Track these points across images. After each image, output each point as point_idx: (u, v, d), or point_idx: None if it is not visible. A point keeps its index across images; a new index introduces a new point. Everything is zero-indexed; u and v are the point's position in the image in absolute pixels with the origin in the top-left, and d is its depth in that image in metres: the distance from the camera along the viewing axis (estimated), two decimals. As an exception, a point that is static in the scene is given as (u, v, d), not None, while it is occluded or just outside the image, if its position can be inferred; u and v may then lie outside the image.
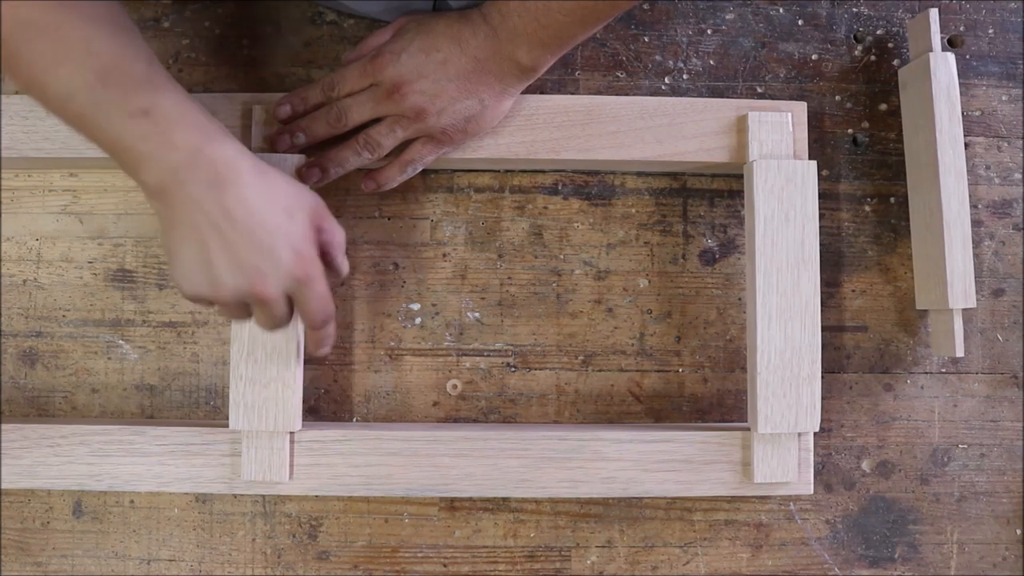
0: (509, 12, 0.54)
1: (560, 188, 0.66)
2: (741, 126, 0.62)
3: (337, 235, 0.54)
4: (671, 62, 0.67)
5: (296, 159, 0.59)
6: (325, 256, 0.53)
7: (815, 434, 0.63)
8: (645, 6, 0.67)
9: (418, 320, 0.65)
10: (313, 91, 0.59)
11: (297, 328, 0.58)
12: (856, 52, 0.68)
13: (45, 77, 0.46)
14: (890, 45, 0.68)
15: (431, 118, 0.57)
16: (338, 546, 0.64)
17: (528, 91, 0.60)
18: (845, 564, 0.64)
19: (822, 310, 0.61)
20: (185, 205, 0.47)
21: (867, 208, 0.67)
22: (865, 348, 0.66)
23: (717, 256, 0.66)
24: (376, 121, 0.58)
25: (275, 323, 0.51)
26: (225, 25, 0.66)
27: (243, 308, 0.51)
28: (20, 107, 0.60)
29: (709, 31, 0.67)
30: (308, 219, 0.50)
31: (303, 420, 0.60)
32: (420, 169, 0.61)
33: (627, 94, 0.66)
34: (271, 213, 0.48)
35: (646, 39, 0.67)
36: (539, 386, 0.65)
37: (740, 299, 0.66)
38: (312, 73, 0.66)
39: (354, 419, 0.65)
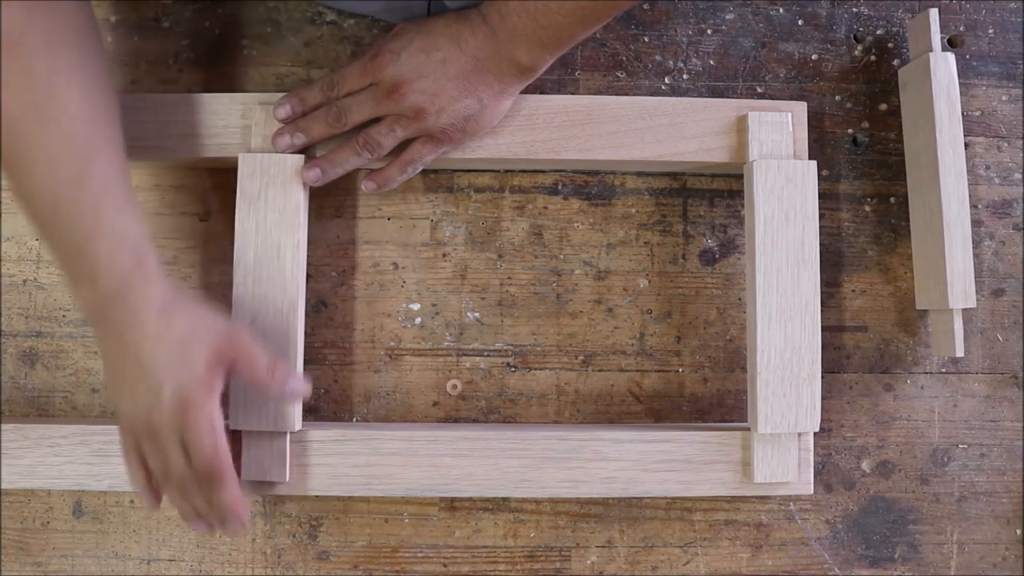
0: (508, 12, 0.54)
1: (560, 188, 0.66)
2: (741, 126, 0.62)
3: (257, 363, 0.52)
4: (671, 62, 0.67)
5: (295, 159, 0.59)
6: (256, 381, 0.53)
7: (815, 434, 0.63)
8: (645, 6, 0.67)
9: (418, 320, 0.65)
10: (312, 91, 0.59)
11: (297, 328, 0.58)
12: (856, 52, 0.68)
13: (12, 180, 0.49)
14: (890, 45, 0.68)
15: (431, 117, 0.57)
16: (338, 546, 0.64)
17: (528, 91, 0.60)
18: (845, 564, 0.64)
19: (822, 310, 0.61)
20: (101, 339, 0.51)
21: (867, 208, 0.67)
22: (865, 348, 0.66)
23: (717, 256, 0.66)
24: (376, 121, 0.58)
25: (175, 466, 0.51)
26: (225, 25, 0.66)
27: (160, 452, 0.51)
28: (20, 107, 0.60)
29: (709, 31, 0.67)
30: (204, 360, 0.50)
31: (303, 420, 0.60)
32: (420, 169, 0.61)
33: (627, 94, 0.66)
34: (161, 356, 0.49)
35: (646, 39, 0.67)
36: (539, 386, 0.65)
37: (740, 299, 0.66)
38: (312, 73, 0.66)
39: (354, 419, 0.65)
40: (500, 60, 0.56)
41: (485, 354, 0.65)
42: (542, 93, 0.64)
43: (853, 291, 0.66)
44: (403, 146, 0.59)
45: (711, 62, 0.67)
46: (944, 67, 0.62)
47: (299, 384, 0.54)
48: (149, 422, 0.50)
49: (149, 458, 0.52)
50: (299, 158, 0.59)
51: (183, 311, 0.51)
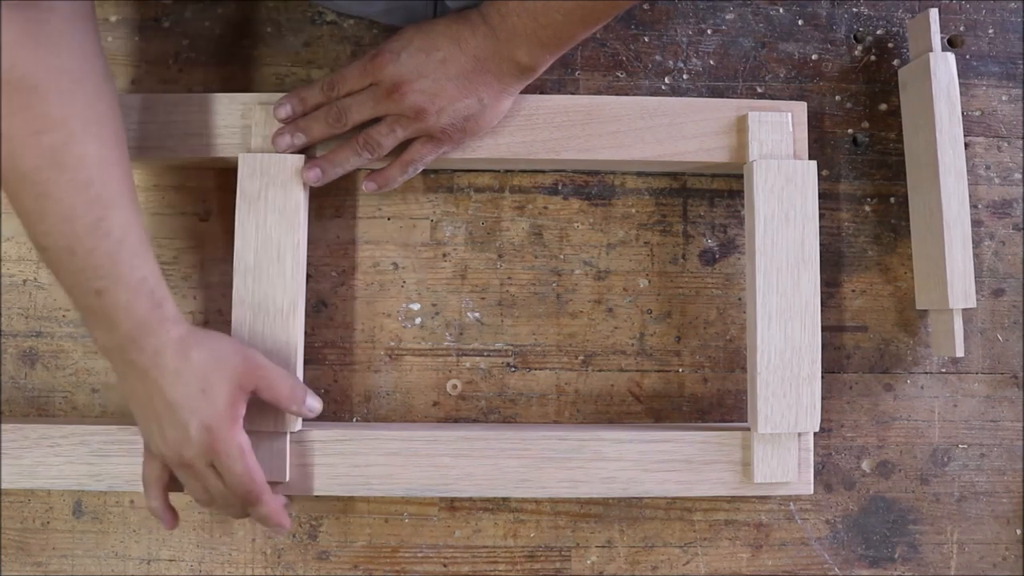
0: (508, 12, 0.54)
1: (560, 188, 0.66)
2: (741, 126, 0.62)
3: (279, 388, 0.55)
4: (671, 62, 0.67)
5: (295, 159, 0.59)
6: (278, 405, 0.56)
7: (815, 434, 0.63)
8: (645, 6, 0.67)
9: (418, 320, 0.65)
10: (312, 91, 0.59)
11: (297, 328, 0.58)
12: (856, 52, 0.68)
13: (28, 226, 0.50)
14: (890, 45, 0.68)
15: (431, 117, 0.57)
16: (338, 546, 0.64)
17: (528, 91, 0.60)
18: (845, 564, 0.64)
19: (822, 310, 0.61)
20: (123, 380, 0.53)
21: (867, 208, 0.67)
22: (865, 348, 0.66)
23: (717, 256, 0.66)
24: (376, 121, 0.58)
25: (215, 492, 0.54)
26: (225, 25, 0.66)
27: (189, 481, 0.54)
28: (20, 107, 0.60)
29: (709, 31, 0.67)
30: (226, 394, 0.53)
31: (303, 420, 0.60)
32: (420, 169, 0.61)
33: (627, 94, 0.66)
34: (184, 395, 0.51)
35: (646, 39, 0.67)
36: (539, 386, 0.65)
37: (740, 299, 0.66)
38: (312, 73, 0.66)
39: (354, 419, 0.65)
40: (500, 60, 0.56)
41: (485, 354, 0.65)
42: (542, 93, 0.64)
43: (853, 291, 0.66)
44: (403, 146, 0.59)
45: (711, 62, 0.67)
46: (944, 67, 0.62)
47: (318, 403, 0.57)
48: (181, 456, 0.52)
49: (186, 484, 0.55)
50: (299, 158, 0.59)
51: (200, 346, 0.53)
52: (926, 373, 0.66)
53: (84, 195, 0.49)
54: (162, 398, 0.51)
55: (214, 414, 0.52)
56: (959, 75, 0.63)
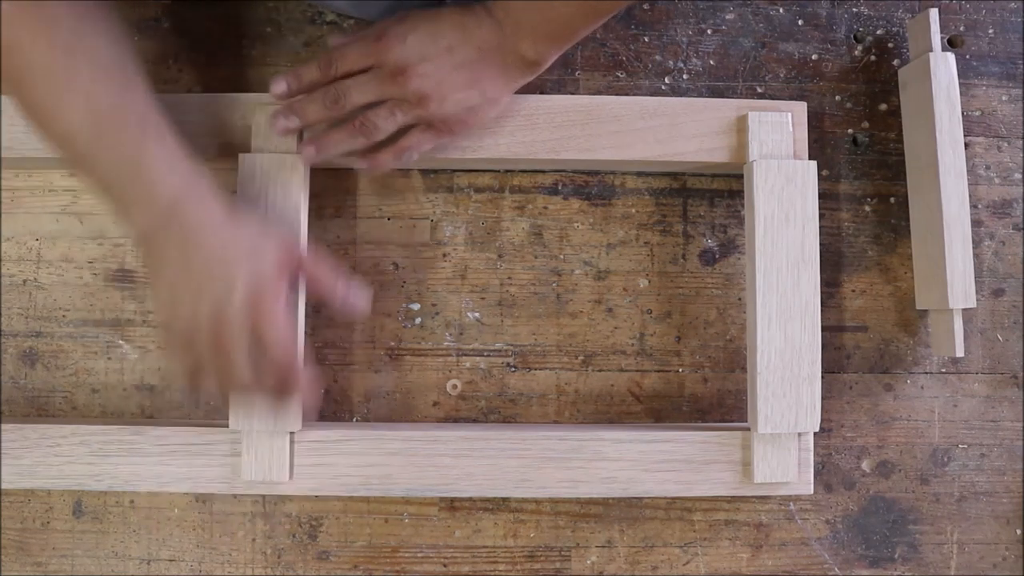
0: (513, 6, 0.54)
1: (560, 188, 0.66)
2: (741, 126, 0.62)
3: (320, 271, 0.55)
4: (671, 62, 0.67)
5: (294, 159, 0.59)
6: (321, 290, 0.55)
7: (815, 434, 0.63)
8: (645, 6, 0.67)
9: (418, 320, 0.65)
10: (310, 68, 0.57)
11: (297, 328, 0.58)
12: (856, 52, 0.68)
13: (47, 120, 0.49)
14: (890, 45, 0.68)
15: (433, 105, 0.56)
16: (338, 546, 0.64)
17: (528, 91, 0.60)
18: (845, 564, 0.64)
19: (822, 310, 0.61)
20: (160, 252, 0.51)
21: (867, 208, 0.67)
22: (865, 348, 0.66)
23: (717, 256, 0.66)
24: (374, 104, 0.57)
25: (248, 364, 0.51)
26: (225, 25, 0.66)
27: (213, 351, 0.51)
28: (20, 107, 0.60)
29: (709, 31, 0.67)
30: (274, 260, 0.52)
31: (303, 420, 0.60)
32: (415, 158, 0.60)
33: (627, 94, 0.66)
34: (233, 253, 0.50)
35: (646, 39, 0.67)
36: (539, 386, 0.65)
37: (740, 299, 0.66)
38: (312, 73, 0.66)
39: (354, 419, 0.65)
40: (505, 53, 0.55)
41: (485, 354, 0.65)
42: (542, 93, 0.64)
43: (853, 291, 0.66)
44: (400, 132, 0.58)
45: (711, 62, 0.67)
46: (944, 67, 0.62)
47: (362, 297, 0.56)
48: (218, 321, 0.50)
49: (210, 364, 0.51)
50: (298, 158, 0.59)
51: (249, 220, 0.52)
52: (926, 373, 0.66)
53: (104, 81, 0.49)
54: (208, 255, 0.50)
55: (262, 274, 0.51)
56: (959, 75, 0.63)
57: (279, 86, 0.58)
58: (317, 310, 0.65)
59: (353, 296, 0.55)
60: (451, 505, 0.64)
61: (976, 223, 0.66)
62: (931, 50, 0.62)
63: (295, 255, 0.54)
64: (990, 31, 0.68)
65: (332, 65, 0.56)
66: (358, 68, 0.56)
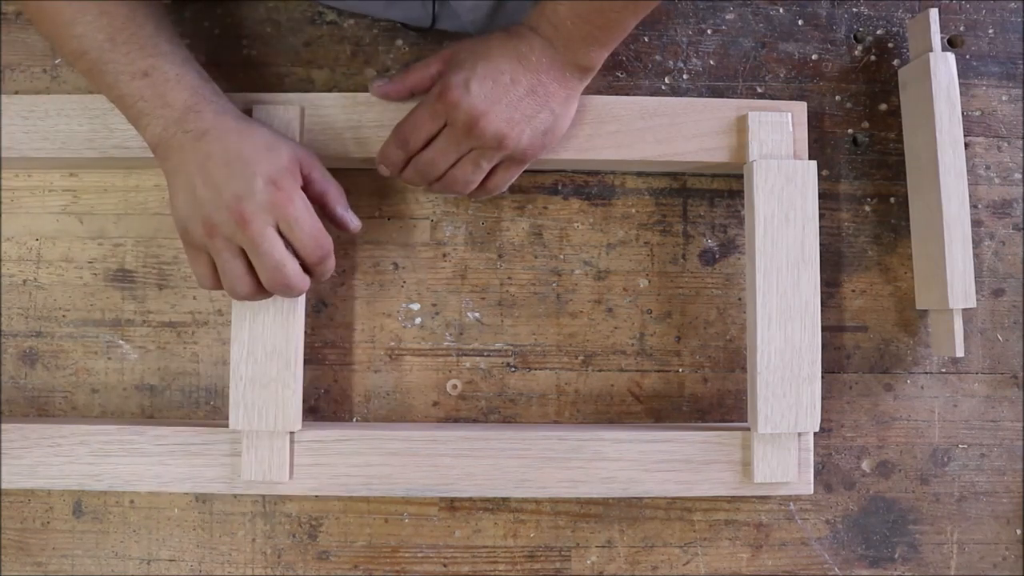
0: (560, 21, 0.54)
1: (560, 188, 0.66)
2: (741, 126, 0.62)
3: (329, 185, 0.56)
4: (671, 62, 0.67)
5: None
6: (324, 210, 0.56)
7: (815, 434, 0.63)
8: (645, 6, 0.67)
9: (418, 320, 0.65)
10: (392, 152, 0.58)
11: (298, 327, 0.58)
12: (856, 52, 0.68)
13: (62, 33, 0.51)
14: (890, 45, 0.68)
15: (512, 142, 0.56)
16: (338, 546, 0.64)
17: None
18: (845, 564, 0.64)
19: (822, 310, 0.61)
20: (178, 154, 0.52)
21: (867, 208, 0.67)
22: (865, 348, 0.66)
23: (717, 256, 0.66)
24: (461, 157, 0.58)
25: (268, 259, 0.51)
26: (225, 25, 0.66)
27: (235, 250, 0.52)
28: (20, 107, 0.61)
29: (709, 31, 0.67)
30: (290, 158, 0.53)
31: (303, 420, 0.60)
32: (505, 189, 0.61)
33: (627, 94, 0.66)
34: (250, 149, 0.51)
35: (646, 39, 0.67)
36: (539, 386, 0.65)
37: (740, 299, 0.66)
38: (312, 73, 0.66)
39: (354, 419, 0.65)
40: (562, 67, 0.56)
41: (485, 354, 0.65)
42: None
43: (853, 291, 0.66)
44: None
45: (711, 62, 0.67)
46: (944, 67, 0.62)
47: (357, 220, 0.58)
48: (240, 213, 0.50)
49: (227, 263, 0.52)
50: None
51: (261, 126, 0.54)
52: (926, 373, 0.66)
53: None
54: (225, 153, 0.51)
55: (280, 169, 0.52)
56: (959, 75, 0.63)
57: (383, 172, 0.60)
58: (317, 310, 0.65)
59: (352, 217, 0.57)
60: (451, 505, 0.64)
61: (976, 223, 0.66)
62: (931, 50, 0.62)
63: (309, 158, 0.55)
64: (990, 31, 0.68)
65: (408, 142, 0.57)
66: (433, 132, 0.57)
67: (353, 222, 0.57)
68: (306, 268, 0.54)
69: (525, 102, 0.55)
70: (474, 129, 0.55)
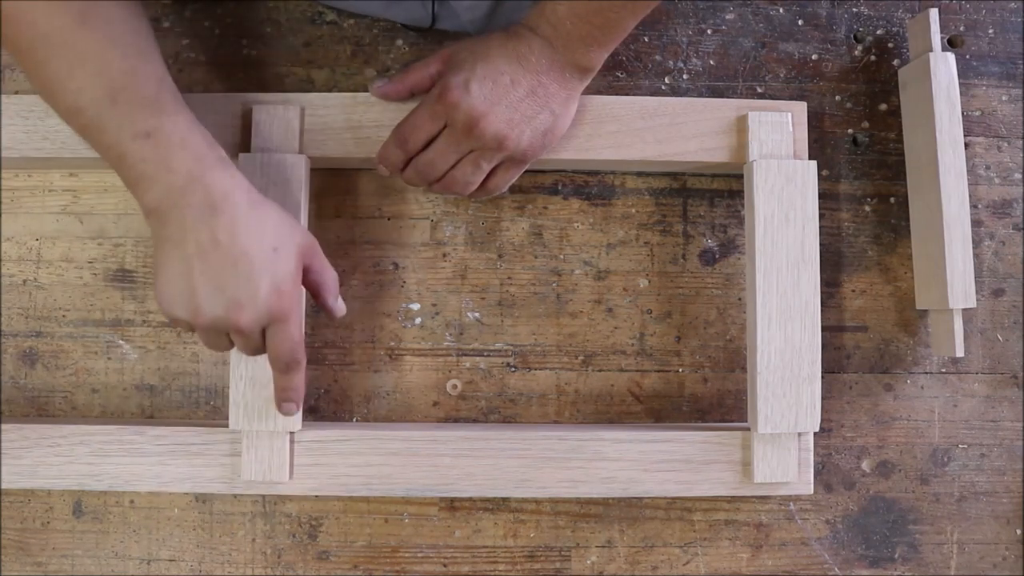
0: (559, 21, 0.54)
1: (560, 188, 0.66)
2: (741, 126, 0.62)
3: (327, 276, 0.55)
4: (671, 62, 0.67)
5: (295, 159, 0.59)
6: (316, 298, 0.55)
7: (815, 434, 0.63)
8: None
9: (418, 320, 0.65)
10: (391, 152, 0.58)
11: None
12: (856, 52, 0.68)
13: (57, 89, 0.48)
14: (890, 45, 0.68)
15: (511, 143, 0.56)
16: (338, 546, 0.64)
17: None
18: (845, 564, 0.64)
19: (822, 310, 0.61)
20: (177, 228, 0.48)
21: (867, 208, 0.67)
22: (865, 348, 0.66)
23: (717, 256, 0.66)
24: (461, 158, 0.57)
25: (251, 351, 0.52)
26: (225, 25, 0.66)
27: (220, 336, 0.51)
28: (20, 107, 0.60)
29: (709, 31, 0.67)
30: (296, 257, 0.51)
31: (303, 420, 0.60)
32: (505, 190, 0.61)
33: (627, 94, 0.66)
34: (258, 246, 0.48)
35: (646, 39, 0.67)
36: (539, 386, 0.65)
37: (740, 299, 0.66)
38: (312, 73, 0.66)
39: (354, 419, 0.65)
40: (562, 68, 0.56)
41: (485, 354, 0.65)
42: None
43: (853, 291, 0.66)
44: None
45: (711, 62, 0.67)
46: (944, 67, 0.62)
47: (343, 308, 0.57)
48: (236, 319, 0.48)
49: (208, 340, 0.51)
50: (300, 157, 0.59)
51: (269, 207, 0.50)
52: (926, 373, 0.66)
53: (117, 47, 0.48)
54: (232, 249, 0.48)
55: (286, 276, 0.49)
56: (959, 75, 0.63)
57: (382, 172, 0.60)
58: (317, 310, 0.65)
59: (340, 306, 0.56)
60: (451, 505, 0.64)
61: (976, 223, 0.66)
62: (931, 50, 0.62)
63: (311, 248, 0.53)
64: (990, 31, 0.68)
65: (408, 142, 0.57)
66: (432, 133, 0.56)
67: (339, 311, 0.56)
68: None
69: (525, 103, 0.55)
70: (474, 130, 0.54)
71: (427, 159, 0.57)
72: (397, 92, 0.59)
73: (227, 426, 0.59)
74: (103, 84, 0.47)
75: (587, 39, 0.55)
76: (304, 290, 0.56)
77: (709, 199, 0.67)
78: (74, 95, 0.48)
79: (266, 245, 0.49)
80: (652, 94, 0.67)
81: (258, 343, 0.51)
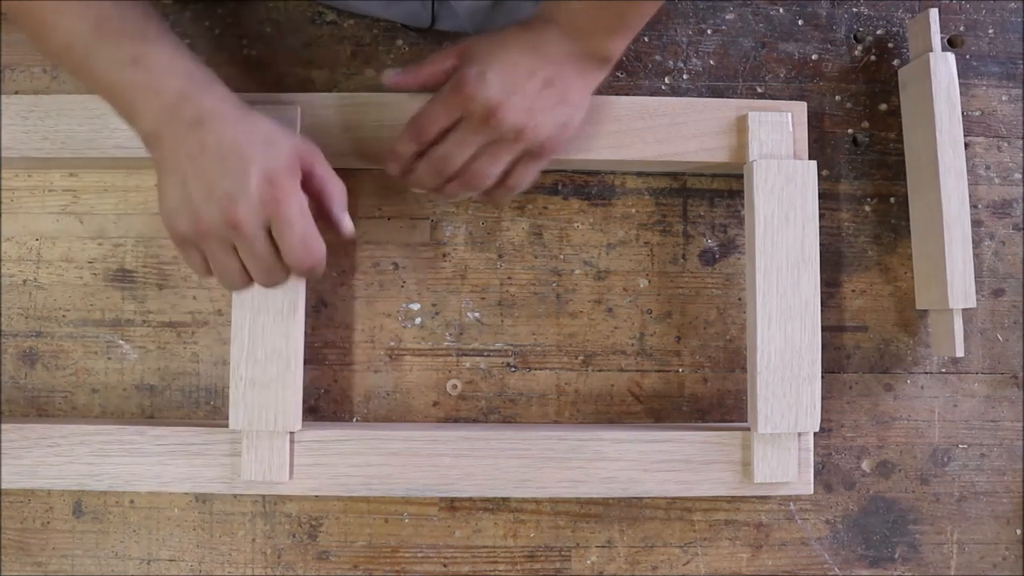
0: (575, 10, 0.53)
1: (560, 188, 0.66)
2: (741, 126, 0.62)
3: (332, 184, 0.53)
4: (671, 62, 0.67)
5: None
6: (321, 210, 0.53)
7: (815, 434, 0.63)
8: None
9: (418, 320, 0.65)
10: (405, 144, 0.56)
11: (298, 327, 0.58)
12: (856, 52, 0.68)
13: (46, 27, 0.49)
14: (890, 45, 0.68)
15: (530, 134, 0.54)
16: (338, 546, 0.64)
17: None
18: (845, 564, 0.64)
19: (822, 310, 0.61)
20: (170, 145, 0.49)
21: (867, 208, 0.67)
22: (865, 348, 0.66)
23: (717, 256, 0.66)
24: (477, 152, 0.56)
25: (260, 262, 0.50)
26: (225, 25, 0.66)
27: (227, 251, 0.50)
28: (20, 107, 0.61)
29: (709, 31, 0.67)
30: (290, 152, 0.50)
31: (303, 420, 0.60)
32: (525, 187, 0.59)
33: (627, 94, 0.66)
34: (247, 142, 0.49)
35: (646, 39, 0.67)
36: (539, 386, 0.65)
37: (740, 299, 0.66)
38: (312, 73, 0.66)
39: (354, 419, 0.65)
40: (580, 58, 0.54)
41: (485, 354, 0.65)
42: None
43: (853, 291, 0.66)
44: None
45: (711, 62, 0.67)
46: (944, 67, 0.62)
47: (351, 225, 0.54)
48: (232, 214, 0.48)
49: (215, 257, 0.50)
50: None
51: (261, 117, 0.51)
52: (926, 373, 0.66)
53: None
54: (220, 145, 0.48)
55: (278, 166, 0.49)
56: (959, 75, 0.63)
57: (391, 169, 0.57)
58: (317, 310, 0.65)
59: (347, 220, 0.54)
60: (451, 505, 0.64)
61: (976, 223, 0.66)
62: (931, 50, 0.62)
63: (312, 152, 0.52)
64: (990, 31, 0.68)
65: (423, 133, 0.55)
66: (448, 124, 0.54)
67: (347, 226, 0.54)
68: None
69: (543, 94, 0.54)
70: (491, 120, 0.53)
71: (443, 152, 0.55)
72: (409, 84, 0.57)
73: (227, 426, 0.59)
74: (90, 17, 0.48)
75: (604, 28, 0.53)
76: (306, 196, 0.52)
77: (709, 199, 0.67)
78: (64, 33, 0.48)
79: (256, 138, 0.49)
80: (652, 94, 0.67)
81: (267, 249, 0.50)
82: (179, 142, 0.49)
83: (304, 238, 0.49)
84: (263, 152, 0.49)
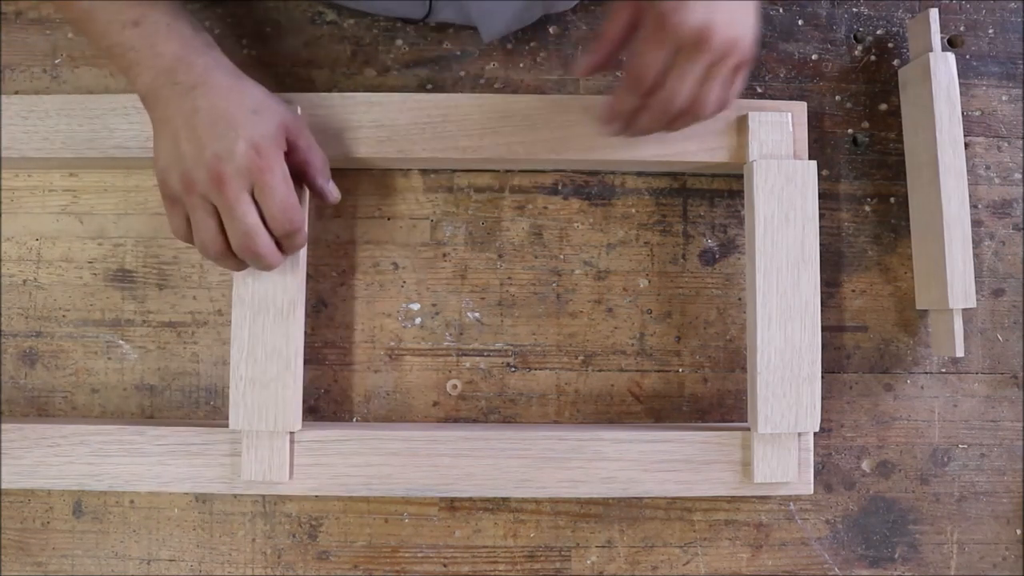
0: None
1: (560, 188, 0.66)
2: (741, 126, 0.62)
3: (314, 155, 0.56)
4: (671, 62, 0.67)
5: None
6: (306, 180, 0.56)
7: (815, 434, 0.63)
8: (645, 6, 0.67)
9: (418, 320, 0.65)
10: (625, 100, 0.53)
11: (298, 327, 0.58)
12: (856, 52, 0.68)
13: None
14: (890, 45, 0.68)
15: (744, 41, 0.50)
16: (338, 546, 0.64)
17: (528, 91, 0.60)
18: (845, 564, 0.64)
19: (822, 310, 0.61)
20: (166, 106, 0.51)
21: (867, 208, 0.67)
22: (865, 348, 0.66)
23: (717, 256, 0.66)
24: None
25: (239, 224, 0.51)
26: (225, 25, 0.66)
27: (209, 209, 0.51)
28: (20, 107, 0.61)
29: (709, 31, 0.67)
30: (276, 123, 0.52)
31: (303, 420, 0.60)
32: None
33: (627, 94, 0.66)
34: (236, 109, 0.51)
35: (646, 39, 0.67)
36: (539, 386, 0.65)
37: (740, 299, 0.66)
38: (312, 73, 0.66)
39: (354, 419, 0.65)
40: None
41: (485, 354, 0.65)
42: (542, 93, 0.64)
43: (853, 291, 0.66)
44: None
45: (711, 62, 0.67)
46: (944, 67, 0.62)
47: (337, 191, 0.58)
48: (218, 174, 0.50)
49: (200, 223, 0.52)
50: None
51: (252, 84, 0.53)
52: (926, 373, 0.66)
53: None
54: (211, 111, 0.50)
55: (264, 134, 0.51)
56: (959, 75, 0.63)
57: (614, 131, 0.55)
58: (317, 310, 0.65)
59: (332, 188, 0.57)
60: (451, 505, 0.64)
61: (976, 223, 0.66)
62: (931, 50, 0.62)
63: (297, 125, 0.54)
64: (990, 31, 0.68)
65: (641, 82, 0.51)
66: (662, 62, 0.50)
67: (332, 194, 0.57)
68: (275, 239, 0.53)
69: (734, 2, 0.50)
70: (702, 43, 0.49)
71: (667, 92, 0.51)
72: (602, 58, 0.54)
73: (227, 426, 0.59)
74: None
75: None
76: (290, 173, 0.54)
77: (709, 199, 0.67)
78: None
79: (245, 107, 0.51)
80: (652, 94, 0.66)
81: (247, 212, 0.51)
82: (174, 104, 0.51)
83: (284, 205, 0.52)
84: (251, 120, 0.51)
